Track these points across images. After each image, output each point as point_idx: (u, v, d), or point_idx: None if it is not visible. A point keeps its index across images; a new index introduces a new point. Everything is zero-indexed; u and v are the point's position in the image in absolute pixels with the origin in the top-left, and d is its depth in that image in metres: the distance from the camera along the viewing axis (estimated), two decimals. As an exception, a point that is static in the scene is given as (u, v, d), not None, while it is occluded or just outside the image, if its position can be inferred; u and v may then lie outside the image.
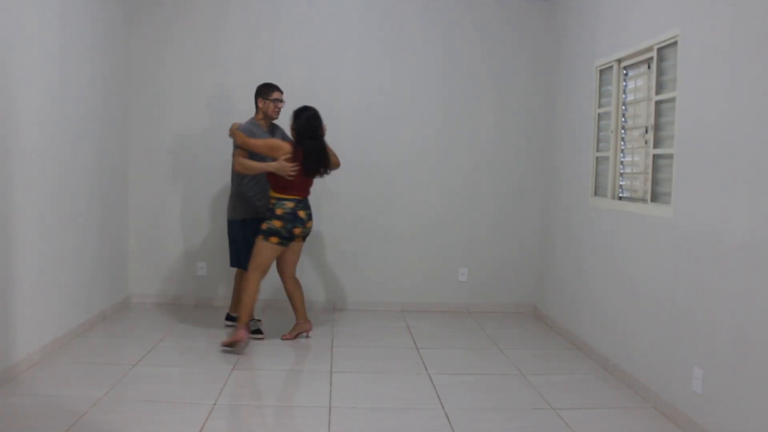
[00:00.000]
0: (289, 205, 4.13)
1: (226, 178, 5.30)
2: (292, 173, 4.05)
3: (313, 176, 4.21)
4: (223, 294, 5.37)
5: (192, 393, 3.38)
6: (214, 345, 4.25)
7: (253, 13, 5.27)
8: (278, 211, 4.12)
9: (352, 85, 5.37)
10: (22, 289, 3.55)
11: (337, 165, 4.37)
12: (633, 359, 3.67)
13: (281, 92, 4.47)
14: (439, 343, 4.53)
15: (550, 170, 5.30)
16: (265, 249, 4.15)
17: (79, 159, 4.30)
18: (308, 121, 4.16)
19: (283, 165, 4.04)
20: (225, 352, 4.04)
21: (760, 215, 2.64)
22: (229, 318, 4.75)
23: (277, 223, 4.11)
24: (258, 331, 4.44)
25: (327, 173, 4.27)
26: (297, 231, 4.17)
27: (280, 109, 4.46)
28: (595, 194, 4.38)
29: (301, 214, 4.17)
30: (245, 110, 5.29)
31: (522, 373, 3.90)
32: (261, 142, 4.16)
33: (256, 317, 4.60)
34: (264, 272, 4.20)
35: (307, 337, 4.45)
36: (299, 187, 4.17)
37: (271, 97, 4.42)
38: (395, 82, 5.39)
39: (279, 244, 4.16)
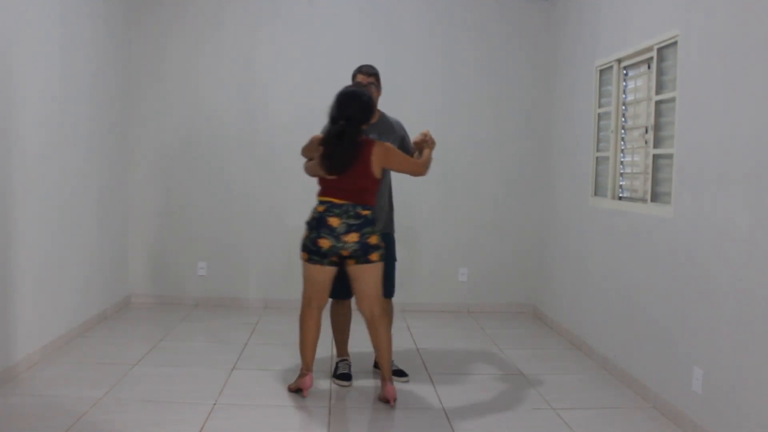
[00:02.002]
0: (318, 208, 3.26)
1: (226, 177, 5.32)
2: (319, 171, 3.28)
3: (338, 173, 3.23)
4: (223, 294, 5.38)
5: (192, 393, 3.38)
6: (214, 345, 4.26)
7: (253, 13, 5.27)
8: (309, 217, 3.32)
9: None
10: (22, 289, 3.54)
11: (411, 170, 3.50)
12: (633, 359, 3.67)
13: (368, 74, 3.61)
14: (439, 343, 4.53)
15: (550, 170, 5.30)
16: (305, 270, 3.36)
17: (79, 158, 4.30)
18: (335, 101, 3.31)
19: (314, 162, 3.30)
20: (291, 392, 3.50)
21: (760, 215, 2.64)
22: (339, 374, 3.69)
23: (305, 233, 3.30)
24: (345, 377, 3.62)
25: (339, 170, 3.23)
26: (324, 244, 3.21)
27: None
28: (595, 194, 4.38)
29: (333, 221, 3.20)
30: (244, 108, 5.31)
31: (522, 373, 3.90)
32: (306, 144, 3.42)
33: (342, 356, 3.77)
34: (314, 301, 3.36)
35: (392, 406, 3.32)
36: (336, 186, 3.25)
37: (354, 82, 3.62)
38: (394, 82, 5.36)
39: (310, 261, 3.29)
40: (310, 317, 3.37)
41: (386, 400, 3.31)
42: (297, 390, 3.41)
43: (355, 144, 3.23)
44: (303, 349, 3.39)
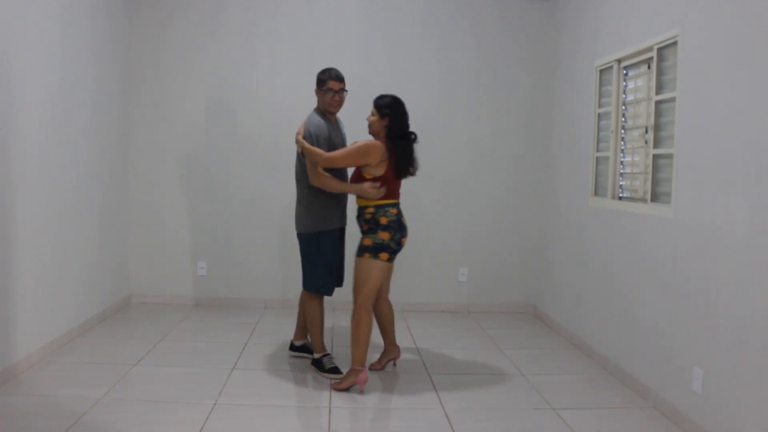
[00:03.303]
0: (393, 211, 3.52)
1: (226, 177, 5.33)
2: (379, 195, 3.49)
3: (404, 177, 3.60)
4: (223, 294, 5.38)
5: (192, 393, 3.38)
6: (214, 345, 4.26)
7: (253, 13, 5.27)
8: (383, 221, 3.49)
9: (351, 85, 5.34)
10: (22, 289, 3.55)
11: None
12: (633, 359, 3.67)
13: (339, 80, 3.66)
14: (439, 343, 4.53)
15: (550, 170, 5.30)
16: (375, 270, 3.49)
17: (79, 158, 4.30)
18: (399, 115, 3.58)
19: (366, 188, 3.47)
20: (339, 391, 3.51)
21: (759, 215, 2.64)
22: (294, 348, 4.05)
23: (384, 236, 3.49)
24: (335, 370, 3.69)
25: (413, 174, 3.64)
26: (404, 242, 3.58)
27: (338, 102, 3.68)
28: (595, 194, 4.38)
29: (404, 221, 3.60)
30: (244, 109, 5.31)
31: (522, 373, 3.90)
32: (344, 154, 3.49)
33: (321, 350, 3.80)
34: (370, 300, 3.53)
35: (395, 365, 3.92)
36: (397, 189, 3.59)
37: (324, 88, 3.64)
38: (394, 82, 5.37)
39: (390, 260, 3.57)
40: (369, 317, 3.53)
41: (395, 358, 3.88)
42: (348, 388, 3.48)
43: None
44: (363, 347, 3.48)
